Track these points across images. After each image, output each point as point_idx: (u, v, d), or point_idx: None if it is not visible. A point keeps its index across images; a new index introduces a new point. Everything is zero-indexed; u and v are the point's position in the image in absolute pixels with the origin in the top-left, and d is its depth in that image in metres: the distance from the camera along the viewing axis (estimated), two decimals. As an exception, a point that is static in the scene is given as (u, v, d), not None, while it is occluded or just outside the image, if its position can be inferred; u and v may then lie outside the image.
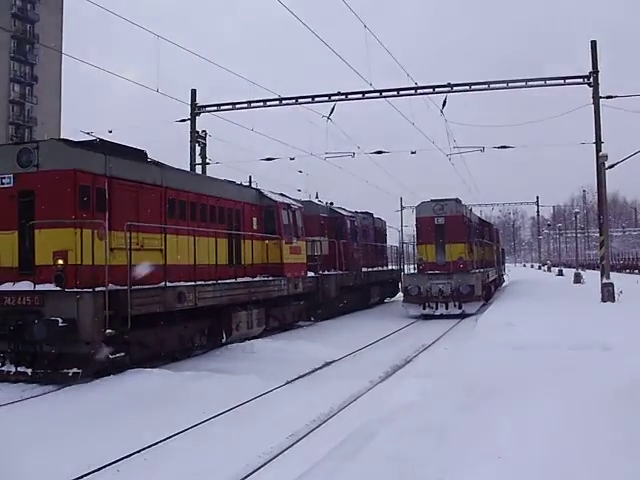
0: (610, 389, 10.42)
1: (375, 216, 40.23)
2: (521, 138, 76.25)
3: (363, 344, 19.24)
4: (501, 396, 10.56)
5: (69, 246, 13.59)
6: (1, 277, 13.99)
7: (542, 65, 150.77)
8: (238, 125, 31.68)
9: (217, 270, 18.67)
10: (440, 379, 12.35)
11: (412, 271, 32.90)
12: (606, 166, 27.14)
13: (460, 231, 29.86)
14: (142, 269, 14.81)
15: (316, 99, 31.58)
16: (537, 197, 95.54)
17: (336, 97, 31.18)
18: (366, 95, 31.05)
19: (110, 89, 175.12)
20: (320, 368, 15.28)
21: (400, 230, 72.68)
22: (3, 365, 13.32)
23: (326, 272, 28.28)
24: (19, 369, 13.14)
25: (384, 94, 30.85)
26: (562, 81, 29.84)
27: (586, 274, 48.37)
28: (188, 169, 32.28)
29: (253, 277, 20.97)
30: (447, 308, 28.46)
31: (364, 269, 33.89)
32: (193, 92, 33.37)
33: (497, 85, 30.66)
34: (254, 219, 21.98)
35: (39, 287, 13.41)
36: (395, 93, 30.88)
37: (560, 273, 61.70)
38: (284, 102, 31.91)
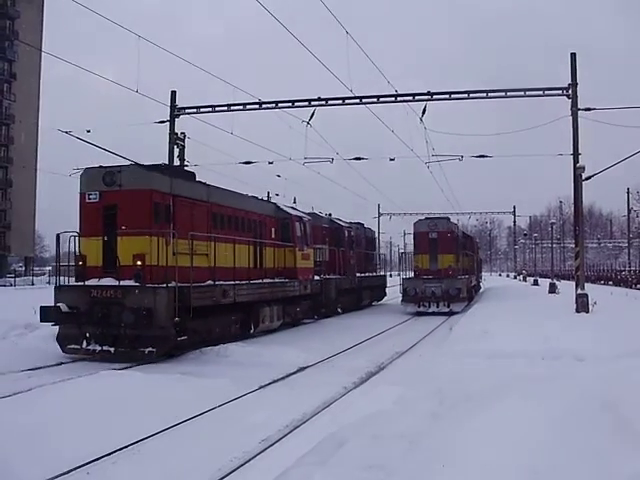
0: (582, 399, 10.47)
1: (365, 226, 44.47)
2: (500, 148, 76.66)
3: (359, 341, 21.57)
4: (474, 404, 10.57)
5: (146, 250, 17.17)
6: (88, 274, 17.55)
7: (525, 77, 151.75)
8: (218, 128, 31.64)
9: (248, 272, 22.39)
10: (413, 386, 12.35)
11: (409, 276, 37.79)
12: (583, 178, 27.33)
13: (450, 244, 36.14)
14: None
15: (296, 104, 31.56)
16: (514, 207, 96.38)
17: (316, 102, 31.15)
18: (346, 101, 31.04)
19: (90, 88, 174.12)
20: (294, 373, 15.22)
21: (377, 237, 72.77)
22: (89, 345, 16.86)
23: (327, 276, 32.23)
24: (104, 348, 16.69)
25: (364, 100, 30.86)
26: (541, 92, 30.02)
27: (561, 284, 48.64)
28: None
29: (273, 279, 24.64)
30: (438, 307, 34.25)
31: (358, 274, 38.51)
32: (173, 94, 33.22)
33: (476, 95, 30.85)
34: (272, 229, 25.65)
35: (122, 283, 16.89)
36: (375, 100, 30.94)
37: (535, 283, 62.05)
38: (264, 106, 31.84)
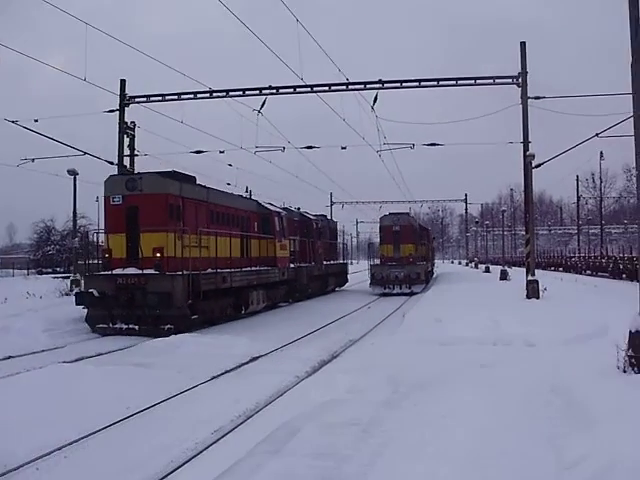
0: (533, 384, 10.61)
1: (329, 218, 49.42)
2: (451, 136, 77.25)
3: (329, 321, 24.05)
4: (427, 391, 10.66)
5: (164, 244, 20.62)
6: (114, 264, 21.00)
7: (477, 65, 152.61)
8: (168, 117, 31.36)
9: (239, 261, 26.11)
10: (366, 375, 12.37)
11: (376, 262, 43.29)
12: (533, 165, 27.62)
13: (410, 235, 42.37)
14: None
15: (247, 92, 31.39)
16: (465, 195, 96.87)
17: (267, 91, 31.01)
18: (297, 90, 30.94)
19: (36, 76, 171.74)
20: (247, 363, 15.14)
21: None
22: (115, 324, 20.15)
23: (300, 264, 35.87)
24: (129, 326, 19.99)
25: (315, 89, 30.80)
26: (492, 81, 30.24)
27: (512, 271, 49.20)
28: (116, 161, 31.99)
29: (257, 267, 28.10)
30: (401, 288, 39.78)
31: (324, 262, 42.61)
32: (122, 82, 32.74)
33: (428, 83, 30.91)
34: (255, 223, 29.46)
35: (145, 272, 20.28)
36: (326, 88, 30.90)
37: (487, 270, 62.58)
38: (214, 95, 31.62)
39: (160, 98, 32.13)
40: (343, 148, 38.39)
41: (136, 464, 7.86)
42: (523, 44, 28.93)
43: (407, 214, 47.24)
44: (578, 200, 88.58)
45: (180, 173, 23.04)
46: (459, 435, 7.94)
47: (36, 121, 29.74)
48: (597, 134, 26.97)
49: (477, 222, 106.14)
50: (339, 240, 53.85)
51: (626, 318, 10.36)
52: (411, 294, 38.38)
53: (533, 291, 26.34)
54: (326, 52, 25.20)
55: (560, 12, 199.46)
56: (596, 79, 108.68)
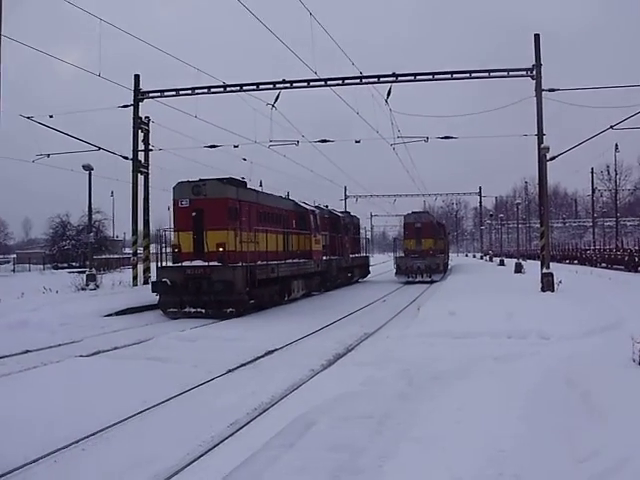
0: (548, 377, 10.60)
1: (352, 214, 52.64)
2: (465, 129, 77.01)
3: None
4: (441, 385, 10.69)
5: (225, 240, 23.88)
6: (183, 257, 24.23)
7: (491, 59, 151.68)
8: (182, 112, 31.44)
9: (282, 254, 29.52)
10: (382, 367, 12.41)
11: (400, 255, 48.55)
12: (547, 158, 27.53)
13: (430, 231, 47.57)
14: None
15: (261, 87, 31.40)
16: (480, 188, 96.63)
17: (281, 85, 31.01)
18: (311, 84, 30.91)
19: (52, 73, 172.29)
20: (262, 357, 15.18)
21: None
22: (185, 308, 23.34)
23: (330, 257, 39.02)
24: (197, 310, 23.20)
25: (329, 83, 30.79)
26: (506, 73, 30.13)
27: (527, 264, 49.00)
28: (131, 156, 32.15)
29: (297, 259, 31.64)
30: (422, 277, 44.58)
31: (350, 256, 45.93)
32: (136, 77, 32.87)
33: (442, 76, 30.83)
34: (294, 221, 32.82)
35: (210, 263, 23.55)
36: (340, 82, 30.87)
37: (501, 263, 62.39)
38: (228, 89, 31.63)
39: (174, 93, 32.19)
40: (357, 142, 38.39)
41: (153, 457, 7.92)
42: (537, 36, 28.76)
43: (427, 212, 56.09)
44: (593, 192, 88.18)
45: (235, 179, 26.52)
46: (474, 428, 7.97)
47: (51, 117, 29.91)
48: (612, 126, 26.90)
49: (491, 215, 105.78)
50: (361, 235, 56.38)
51: (641, 311, 10.35)
52: (431, 282, 42.54)
53: (548, 284, 26.25)
54: (340, 46, 25.20)
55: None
56: (611, 72, 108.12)
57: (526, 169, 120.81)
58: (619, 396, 8.20)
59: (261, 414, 9.82)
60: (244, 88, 31.51)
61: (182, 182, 24.94)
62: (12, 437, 8.38)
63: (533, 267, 38.57)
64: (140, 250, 35.51)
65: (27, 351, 15.97)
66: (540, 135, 28.67)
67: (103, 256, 66.82)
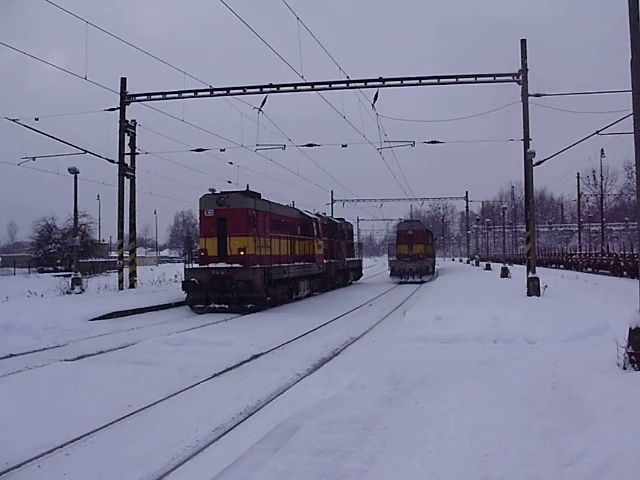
0: (533, 381, 10.63)
1: (346, 220, 55.72)
2: (452, 134, 77.21)
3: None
4: (427, 389, 10.69)
5: (245, 245, 27.25)
6: (209, 260, 27.35)
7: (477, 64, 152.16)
8: (168, 115, 31.38)
9: (290, 258, 32.92)
10: (367, 372, 12.41)
11: (394, 258, 53.69)
12: (533, 163, 27.63)
13: (421, 238, 53.37)
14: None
15: (247, 90, 31.42)
16: (466, 192, 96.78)
17: (268, 89, 31.06)
18: (298, 87, 30.99)
19: (36, 75, 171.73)
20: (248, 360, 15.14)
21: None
22: (209, 304, 26.55)
23: (330, 261, 42.35)
24: (221, 306, 26.43)
25: (316, 87, 30.83)
26: (492, 78, 30.24)
27: (513, 269, 49.11)
28: (117, 159, 32.11)
29: (302, 262, 34.76)
30: (414, 278, 49.84)
31: (346, 259, 49.32)
32: (123, 81, 32.83)
33: (428, 81, 30.94)
34: (299, 227, 36.04)
35: (232, 265, 26.62)
36: (327, 86, 30.92)
37: (488, 267, 62.51)
38: (215, 93, 31.65)
39: (161, 96, 32.21)
40: (344, 146, 38.40)
41: (138, 462, 7.89)
42: (523, 42, 28.90)
43: (418, 221, 64.46)
44: (579, 197, 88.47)
45: (252, 191, 29.85)
46: (460, 432, 7.97)
47: (37, 119, 29.81)
48: (598, 131, 27.04)
49: (478, 220, 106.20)
50: (354, 240, 60.67)
51: (626, 315, 10.37)
52: (422, 282, 47.65)
53: (534, 288, 26.31)
54: (327, 50, 25.20)
55: (559, 10, 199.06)
56: (597, 77, 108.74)
57: (512, 173, 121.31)
58: (604, 400, 8.21)
59: (246, 418, 9.79)
60: (231, 92, 31.52)
61: (208, 194, 28.74)
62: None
63: (519, 272, 38.65)
64: (126, 254, 35.40)
65: (11, 355, 15.90)
66: (526, 140, 28.79)
67: (89, 260, 66.59)
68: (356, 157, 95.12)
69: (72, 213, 35.29)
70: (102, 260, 72.79)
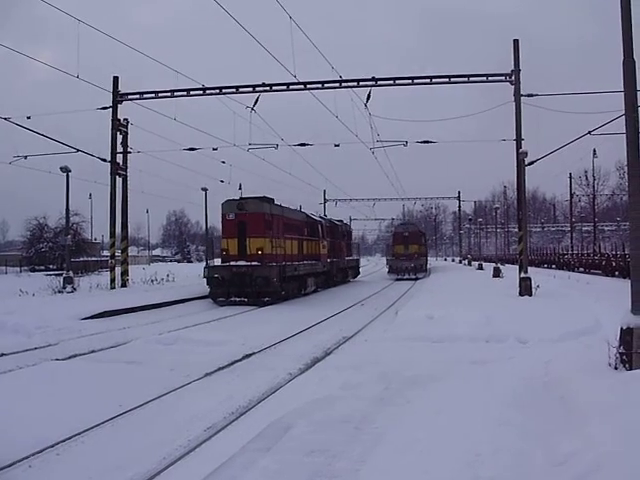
0: (525, 381, 10.64)
1: (345, 221, 61.14)
2: (444, 134, 77.32)
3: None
4: (419, 388, 10.69)
5: (263, 245, 30.13)
6: (230, 258, 30.33)
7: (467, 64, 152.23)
8: (161, 114, 31.34)
9: (300, 257, 35.97)
10: (360, 371, 12.41)
11: (391, 257, 59.41)
12: (526, 163, 27.67)
13: (415, 238, 59.55)
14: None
15: (240, 89, 31.43)
16: (459, 192, 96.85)
17: (260, 88, 31.10)
18: (290, 87, 31.02)
19: (29, 74, 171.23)
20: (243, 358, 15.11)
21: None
22: (230, 298, 29.47)
23: (332, 259, 45.20)
24: (241, 299, 29.32)
25: (308, 86, 30.84)
26: (485, 78, 30.29)
27: (505, 268, 49.19)
28: (109, 158, 32.07)
29: (310, 261, 37.96)
30: (409, 275, 55.69)
31: (346, 258, 52.46)
32: (115, 79, 32.79)
33: (421, 81, 30.97)
34: (306, 229, 38.97)
35: (251, 263, 29.63)
36: (319, 86, 30.93)
37: (480, 267, 62.60)
38: (208, 92, 31.66)
39: (153, 95, 32.22)
40: (336, 145, 38.47)
41: (129, 461, 7.85)
42: (516, 42, 28.98)
43: (413, 224, 71.87)
44: (571, 197, 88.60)
45: (267, 197, 32.44)
46: (451, 432, 7.97)
47: (29, 118, 29.74)
48: (590, 132, 27.12)
49: (470, 219, 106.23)
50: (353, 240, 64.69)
51: (618, 315, 10.38)
52: (416, 279, 52.92)
53: (526, 288, 26.37)
54: (319, 49, 25.19)
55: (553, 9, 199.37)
56: (590, 77, 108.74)
57: (505, 173, 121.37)
58: (595, 400, 8.22)
59: (238, 418, 9.77)
60: (223, 91, 31.55)
61: (229, 200, 31.40)
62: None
63: (511, 271, 38.75)
64: (118, 253, 35.34)
65: (2, 354, 15.80)
66: (518, 140, 28.88)
67: (81, 259, 66.41)
68: (349, 157, 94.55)
69: (64, 212, 35.28)
70: (94, 259, 72.50)
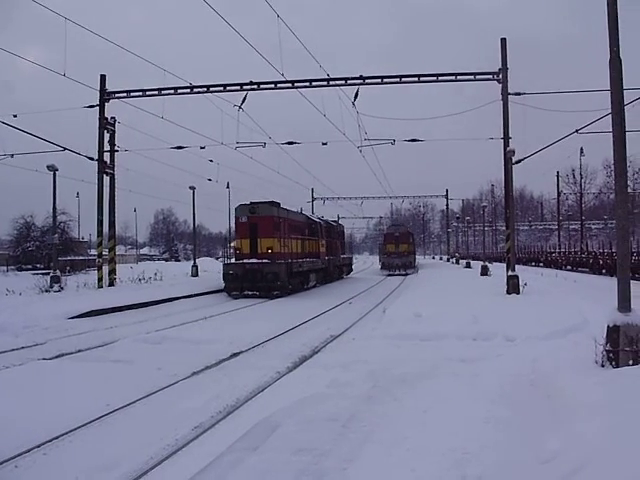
0: (512, 379, 10.66)
1: (339, 222, 67.46)
2: (432, 132, 77.41)
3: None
4: (407, 386, 10.70)
5: (272, 245, 33.48)
6: (243, 256, 33.76)
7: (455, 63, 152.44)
8: (148, 112, 31.29)
9: (303, 255, 39.36)
10: (348, 369, 12.41)
11: (383, 255, 66.09)
12: (513, 161, 27.73)
13: (405, 239, 65.86)
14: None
15: (228, 88, 31.38)
16: (446, 190, 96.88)
17: (248, 86, 31.04)
18: (278, 85, 30.98)
19: (14, 71, 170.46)
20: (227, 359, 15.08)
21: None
22: (243, 291, 32.91)
23: (329, 257, 48.43)
24: (253, 292, 32.72)
25: (296, 85, 30.81)
26: (472, 77, 30.35)
27: (493, 266, 49.31)
28: (96, 157, 31.95)
29: (311, 258, 41.35)
30: (399, 271, 61.55)
31: (341, 256, 56.01)
32: (102, 77, 32.67)
33: (409, 79, 30.99)
34: (306, 230, 42.34)
35: (262, 261, 32.91)
36: (307, 84, 30.91)
37: (468, 265, 62.75)
38: (195, 90, 31.58)
39: (140, 93, 32.09)
40: (324, 144, 38.49)
41: (117, 460, 7.82)
42: (504, 40, 29.06)
43: (403, 225, 79.65)
44: (559, 196, 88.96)
45: (275, 201, 35.51)
46: (439, 429, 7.99)
47: (15, 116, 29.60)
48: (577, 130, 27.20)
49: (458, 218, 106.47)
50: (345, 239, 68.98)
51: (605, 313, 10.42)
52: (406, 275, 57.85)
53: (513, 286, 26.42)
54: (307, 48, 25.17)
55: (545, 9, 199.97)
56: (577, 76, 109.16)
57: (492, 172, 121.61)
58: (582, 398, 8.25)
59: (225, 417, 9.76)
60: (211, 89, 31.51)
61: (242, 205, 34.77)
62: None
63: (499, 269, 38.94)
64: (105, 252, 35.24)
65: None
66: (506, 138, 28.95)
67: (68, 257, 66.15)
68: (337, 155, 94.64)
69: (51, 211, 35.01)
70: (81, 258, 72.22)
